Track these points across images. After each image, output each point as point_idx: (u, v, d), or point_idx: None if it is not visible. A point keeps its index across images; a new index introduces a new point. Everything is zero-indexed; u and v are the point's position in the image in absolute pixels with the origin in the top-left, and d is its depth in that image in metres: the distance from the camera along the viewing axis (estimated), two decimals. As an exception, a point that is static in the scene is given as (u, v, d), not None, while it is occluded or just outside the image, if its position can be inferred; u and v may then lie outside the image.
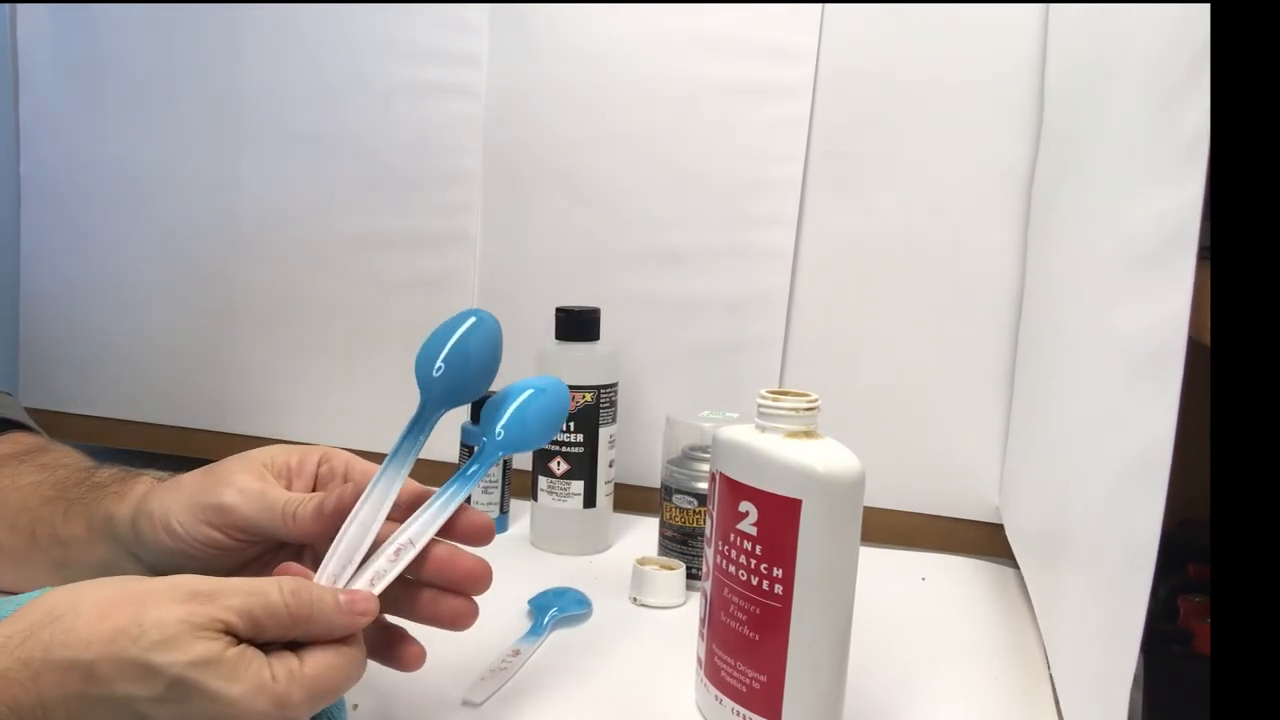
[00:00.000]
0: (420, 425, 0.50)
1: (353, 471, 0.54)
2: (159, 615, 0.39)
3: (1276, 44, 0.31)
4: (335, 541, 0.47)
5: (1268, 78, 0.32)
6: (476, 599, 0.49)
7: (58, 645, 0.38)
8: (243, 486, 0.50)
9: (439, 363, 0.50)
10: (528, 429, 0.52)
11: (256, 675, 0.39)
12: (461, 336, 0.51)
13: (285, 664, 0.41)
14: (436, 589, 0.49)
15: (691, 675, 0.55)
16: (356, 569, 0.47)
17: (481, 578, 0.49)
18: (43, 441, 0.67)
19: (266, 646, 0.41)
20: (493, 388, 0.53)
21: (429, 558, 0.49)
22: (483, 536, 0.51)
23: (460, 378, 0.51)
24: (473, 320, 0.51)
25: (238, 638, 0.40)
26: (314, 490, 0.53)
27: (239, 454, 0.54)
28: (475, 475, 0.51)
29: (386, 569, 0.47)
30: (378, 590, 0.46)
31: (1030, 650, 0.65)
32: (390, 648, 0.49)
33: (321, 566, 0.46)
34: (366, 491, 0.49)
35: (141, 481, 0.55)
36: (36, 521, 0.57)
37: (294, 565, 0.47)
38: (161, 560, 0.51)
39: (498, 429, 0.52)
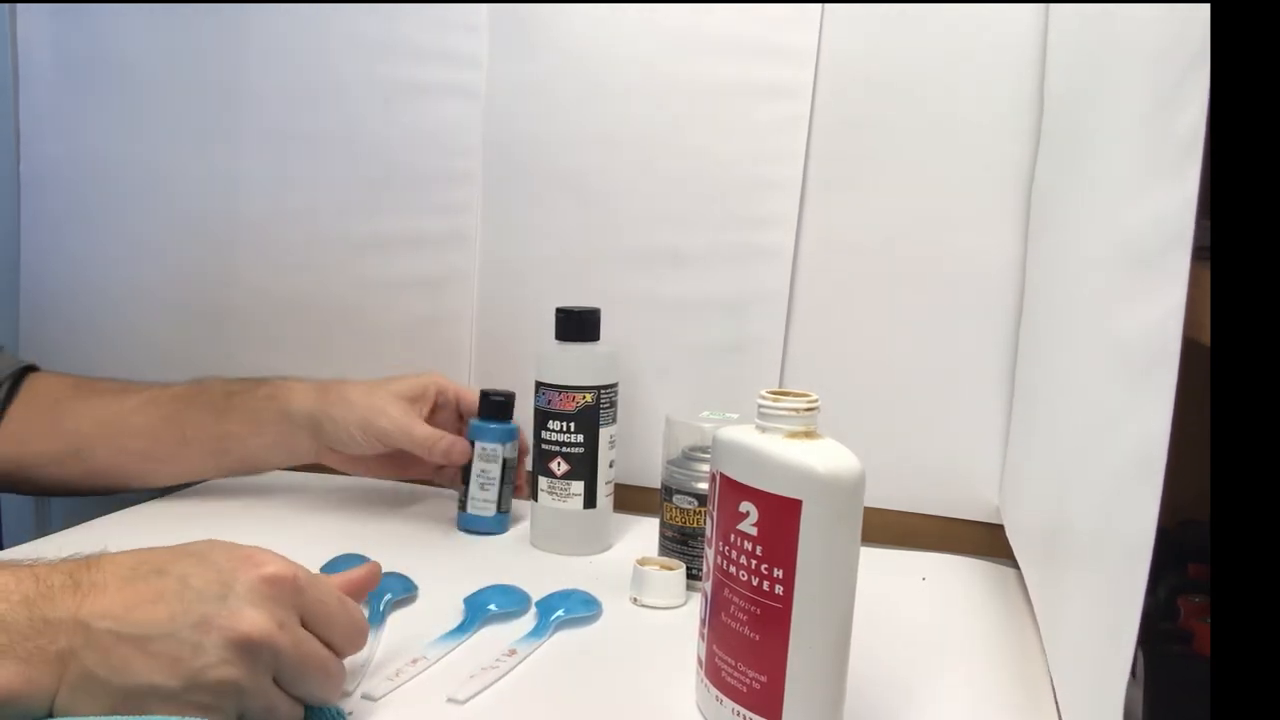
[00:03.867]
0: None
1: (461, 400, 0.84)
2: None
3: (1278, 43, 0.31)
4: None
5: (1269, 77, 0.32)
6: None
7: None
8: (394, 417, 0.79)
9: None
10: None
11: None
12: None
13: None
14: None
15: (691, 675, 0.55)
16: None
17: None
18: (74, 377, 0.86)
19: None
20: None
21: None
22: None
23: None
24: None
25: None
26: (432, 409, 0.83)
27: (375, 381, 0.82)
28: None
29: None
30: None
31: (1030, 650, 0.65)
32: None
33: None
34: None
35: (291, 385, 0.83)
36: (185, 425, 0.81)
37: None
38: (337, 446, 0.82)
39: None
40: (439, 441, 0.79)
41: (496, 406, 0.83)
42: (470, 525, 0.83)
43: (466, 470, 0.83)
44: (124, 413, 0.82)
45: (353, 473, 0.87)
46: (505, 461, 0.83)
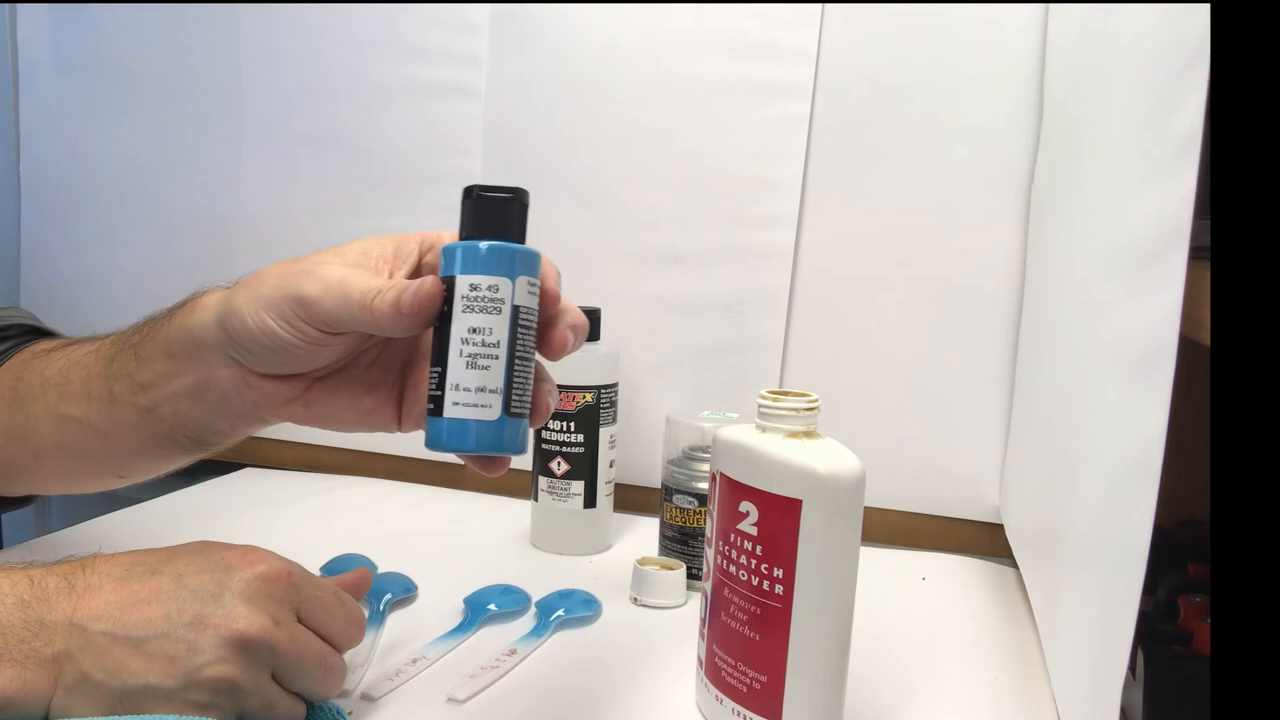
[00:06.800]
0: None
1: None
2: None
3: (1277, 42, 0.31)
4: None
5: (1268, 76, 0.32)
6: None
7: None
8: (325, 276, 0.46)
9: None
10: None
11: None
12: None
13: None
14: None
15: (691, 675, 0.55)
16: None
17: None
18: (67, 338, 0.66)
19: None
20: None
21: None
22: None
23: None
24: None
25: None
26: (416, 272, 0.50)
27: (332, 247, 0.51)
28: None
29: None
30: None
31: (1029, 650, 0.65)
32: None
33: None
34: None
35: (208, 294, 0.51)
36: (112, 379, 0.55)
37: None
38: (263, 357, 0.48)
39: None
40: (386, 292, 0.44)
41: (491, 210, 0.44)
42: (452, 440, 0.42)
43: (441, 342, 0.43)
44: (68, 368, 0.59)
45: (311, 421, 0.55)
46: (517, 311, 0.43)
